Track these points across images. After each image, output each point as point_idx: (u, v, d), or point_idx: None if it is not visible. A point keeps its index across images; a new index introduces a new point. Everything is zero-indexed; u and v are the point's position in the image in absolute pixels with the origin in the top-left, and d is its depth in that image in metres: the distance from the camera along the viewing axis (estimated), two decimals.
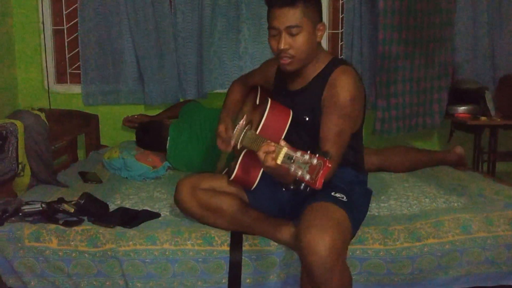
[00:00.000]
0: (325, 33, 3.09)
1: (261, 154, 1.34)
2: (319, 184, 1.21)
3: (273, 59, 1.91)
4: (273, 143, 1.33)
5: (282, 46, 1.64)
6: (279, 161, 1.27)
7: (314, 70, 1.74)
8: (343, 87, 1.65)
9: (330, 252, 1.43)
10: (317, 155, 1.22)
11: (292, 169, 1.24)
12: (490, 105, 2.91)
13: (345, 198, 1.64)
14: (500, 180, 2.44)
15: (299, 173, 1.23)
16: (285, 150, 1.27)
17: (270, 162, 1.31)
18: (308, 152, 1.24)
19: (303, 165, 1.22)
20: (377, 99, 2.91)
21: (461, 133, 3.12)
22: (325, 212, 1.55)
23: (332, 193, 1.64)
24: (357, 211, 1.72)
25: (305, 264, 1.48)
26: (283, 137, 1.71)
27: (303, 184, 1.23)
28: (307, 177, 1.21)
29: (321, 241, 1.44)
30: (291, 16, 1.62)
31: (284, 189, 1.35)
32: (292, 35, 1.63)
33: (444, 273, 1.83)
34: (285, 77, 1.82)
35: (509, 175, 3.13)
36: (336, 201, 1.62)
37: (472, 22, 3.10)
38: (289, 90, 1.81)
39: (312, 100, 1.71)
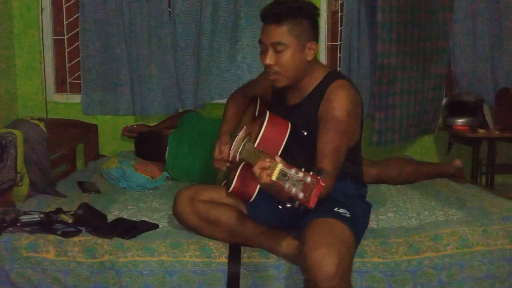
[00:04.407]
0: (324, 46, 3.16)
1: (256, 170, 1.32)
2: (312, 203, 1.19)
3: None
4: (268, 159, 1.32)
5: (266, 61, 1.66)
6: (274, 178, 1.26)
7: (310, 84, 1.73)
8: (338, 102, 1.64)
9: (337, 271, 1.41)
10: (311, 173, 1.20)
11: (287, 186, 1.22)
12: (488, 117, 2.92)
13: (348, 213, 1.63)
14: (499, 193, 2.44)
15: (293, 190, 1.21)
16: (280, 166, 1.26)
17: (265, 178, 1.29)
18: (303, 169, 1.22)
19: (297, 183, 1.21)
20: (375, 111, 2.92)
21: (459, 145, 3.12)
22: (331, 229, 1.53)
23: (336, 209, 1.62)
24: (358, 226, 1.70)
25: (310, 282, 1.44)
26: (281, 150, 1.71)
27: (297, 202, 1.21)
28: (301, 195, 1.20)
29: (329, 260, 1.41)
30: (277, 33, 1.63)
31: (280, 207, 1.33)
32: (277, 51, 1.65)
33: None
34: (282, 91, 1.80)
35: (508, 188, 3.13)
36: (340, 217, 1.60)
37: (472, 34, 3.11)
38: (286, 105, 1.80)
39: (309, 115, 1.71)
